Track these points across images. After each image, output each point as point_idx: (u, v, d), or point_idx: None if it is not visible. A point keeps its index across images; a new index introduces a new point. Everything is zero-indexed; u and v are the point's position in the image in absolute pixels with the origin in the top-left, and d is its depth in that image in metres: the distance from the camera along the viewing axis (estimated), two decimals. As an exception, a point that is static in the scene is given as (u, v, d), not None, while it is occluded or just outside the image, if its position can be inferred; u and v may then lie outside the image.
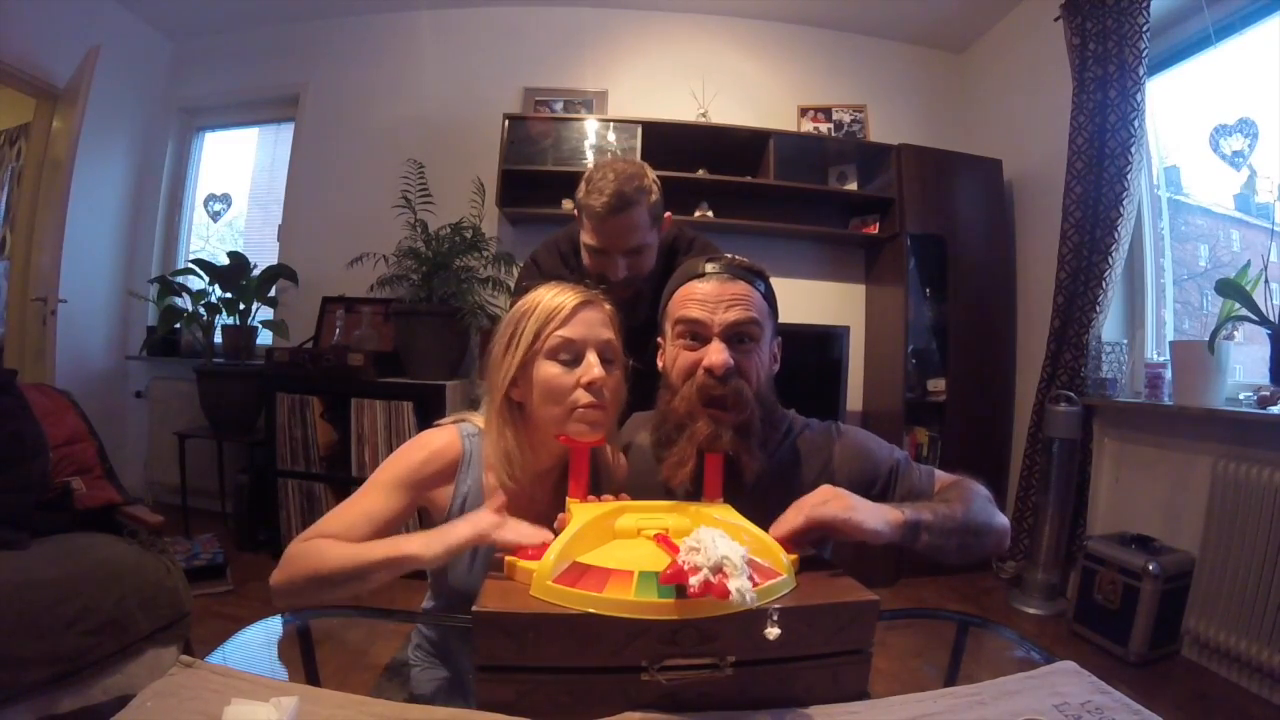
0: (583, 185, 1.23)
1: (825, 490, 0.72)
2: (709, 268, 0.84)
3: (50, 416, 1.65)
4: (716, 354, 0.78)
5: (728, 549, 0.54)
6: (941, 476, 0.89)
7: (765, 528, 0.68)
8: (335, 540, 0.72)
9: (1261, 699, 1.73)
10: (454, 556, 0.68)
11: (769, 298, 0.87)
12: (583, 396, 0.77)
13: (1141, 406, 2.26)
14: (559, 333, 0.78)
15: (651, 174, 1.26)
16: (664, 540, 0.65)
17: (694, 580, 0.52)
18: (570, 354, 0.78)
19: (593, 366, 0.77)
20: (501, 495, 0.71)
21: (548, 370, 0.78)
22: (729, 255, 0.87)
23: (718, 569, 0.52)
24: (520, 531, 0.65)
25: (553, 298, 0.80)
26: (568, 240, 1.43)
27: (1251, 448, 1.86)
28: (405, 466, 0.80)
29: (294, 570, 0.70)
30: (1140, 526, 2.15)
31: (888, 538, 0.69)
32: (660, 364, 0.88)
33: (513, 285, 2.55)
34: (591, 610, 0.53)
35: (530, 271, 1.44)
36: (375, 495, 0.78)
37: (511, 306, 1.46)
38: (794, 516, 0.68)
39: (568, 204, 2.91)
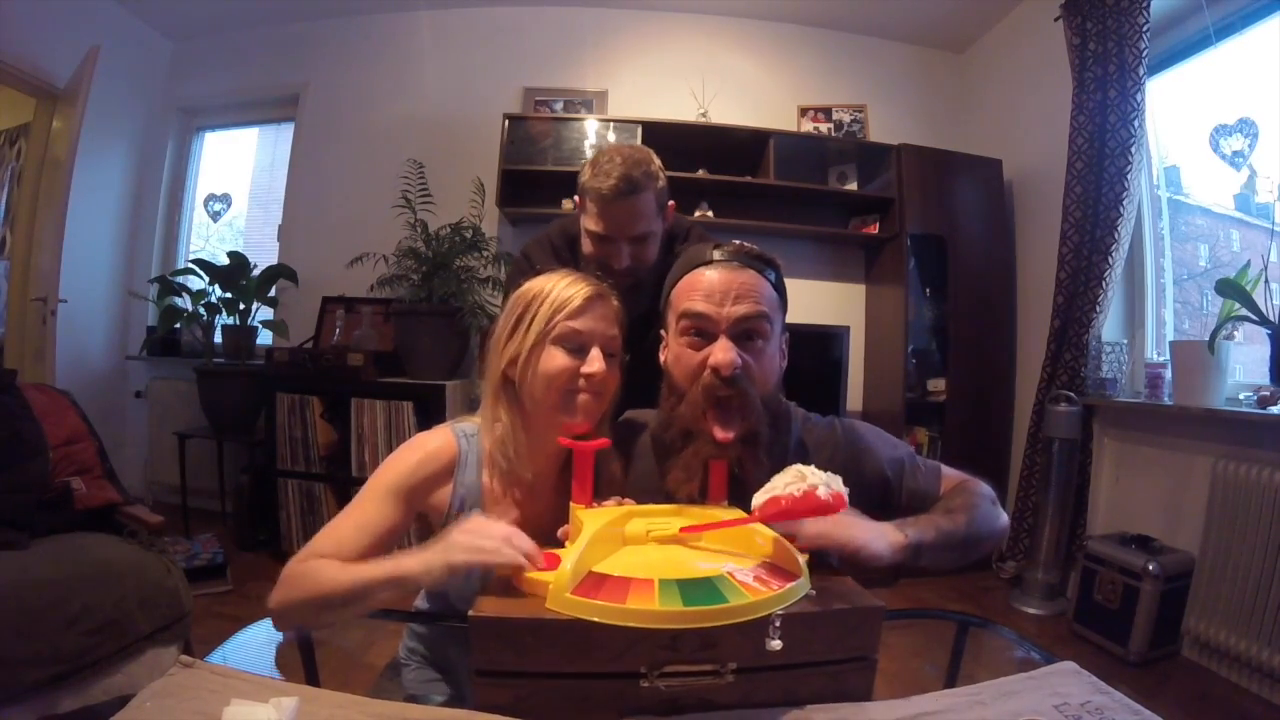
0: (587, 169, 1.20)
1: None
2: (716, 255, 0.79)
3: (50, 416, 1.65)
4: (723, 353, 0.74)
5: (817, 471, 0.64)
6: (947, 475, 0.87)
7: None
8: (333, 561, 0.69)
9: (1262, 699, 1.72)
10: (455, 576, 0.65)
11: (779, 288, 0.81)
12: (581, 386, 0.78)
13: (1141, 406, 2.25)
14: (569, 323, 0.78)
15: (658, 161, 1.23)
16: (693, 530, 0.65)
17: (822, 492, 0.61)
18: (575, 345, 0.78)
19: (595, 360, 0.78)
20: (514, 512, 0.70)
21: (553, 357, 0.78)
22: (737, 242, 0.81)
23: (828, 485, 0.61)
24: (524, 550, 0.62)
25: (566, 287, 0.80)
26: (561, 234, 1.40)
27: (1251, 448, 1.86)
28: (400, 472, 0.78)
29: (292, 593, 0.68)
30: (1140, 526, 2.15)
31: (888, 560, 0.67)
32: (662, 358, 0.84)
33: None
34: (617, 622, 0.52)
35: (522, 267, 1.40)
36: (371, 505, 0.75)
37: (504, 302, 1.44)
38: (795, 530, 0.66)
39: (568, 204, 2.91)
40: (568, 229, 1.39)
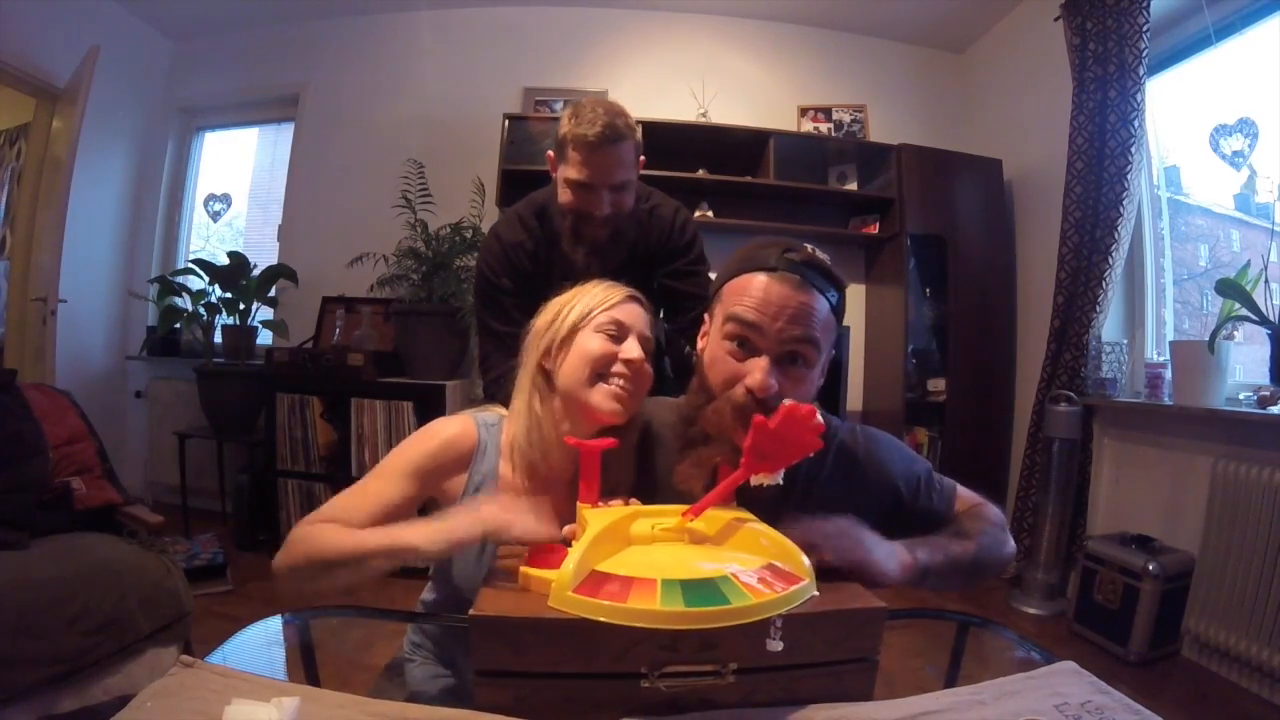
0: (567, 121, 1.21)
1: (842, 525, 0.68)
2: (783, 262, 0.72)
3: (50, 416, 1.65)
4: (760, 375, 0.70)
5: None
6: (961, 496, 0.86)
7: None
8: (337, 525, 0.72)
9: (1261, 699, 1.73)
10: (457, 552, 0.67)
11: (838, 311, 0.76)
12: (618, 369, 0.78)
13: (1141, 406, 2.25)
14: (609, 313, 0.81)
15: (631, 114, 1.26)
16: (694, 510, 0.67)
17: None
18: (614, 332, 0.80)
19: (633, 347, 0.79)
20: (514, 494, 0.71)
21: (592, 338, 0.79)
22: (809, 248, 0.74)
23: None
24: (528, 528, 0.64)
25: (605, 289, 0.83)
26: (528, 205, 1.41)
27: (1251, 448, 1.86)
28: (417, 455, 0.80)
29: (294, 553, 0.71)
30: (1140, 526, 2.15)
31: (895, 581, 0.67)
32: (700, 346, 0.81)
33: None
34: (618, 621, 0.51)
35: (490, 246, 1.41)
36: (384, 482, 0.78)
37: (476, 285, 1.45)
38: (804, 540, 0.64)
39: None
40: (535, 199, 1.41)
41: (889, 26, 3.23)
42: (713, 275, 1.39)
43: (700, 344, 0.82)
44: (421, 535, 0.67)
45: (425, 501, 0.83)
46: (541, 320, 0.84)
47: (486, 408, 0.89)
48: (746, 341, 0.72)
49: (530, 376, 0.83)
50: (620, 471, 0.83)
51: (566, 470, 0.84)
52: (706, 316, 0.82)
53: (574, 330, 0.80)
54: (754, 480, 0.67)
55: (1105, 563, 2.06)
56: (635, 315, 0.82)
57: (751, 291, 0.72)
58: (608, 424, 0.79)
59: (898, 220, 2.86)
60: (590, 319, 0.80)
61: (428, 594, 0.91)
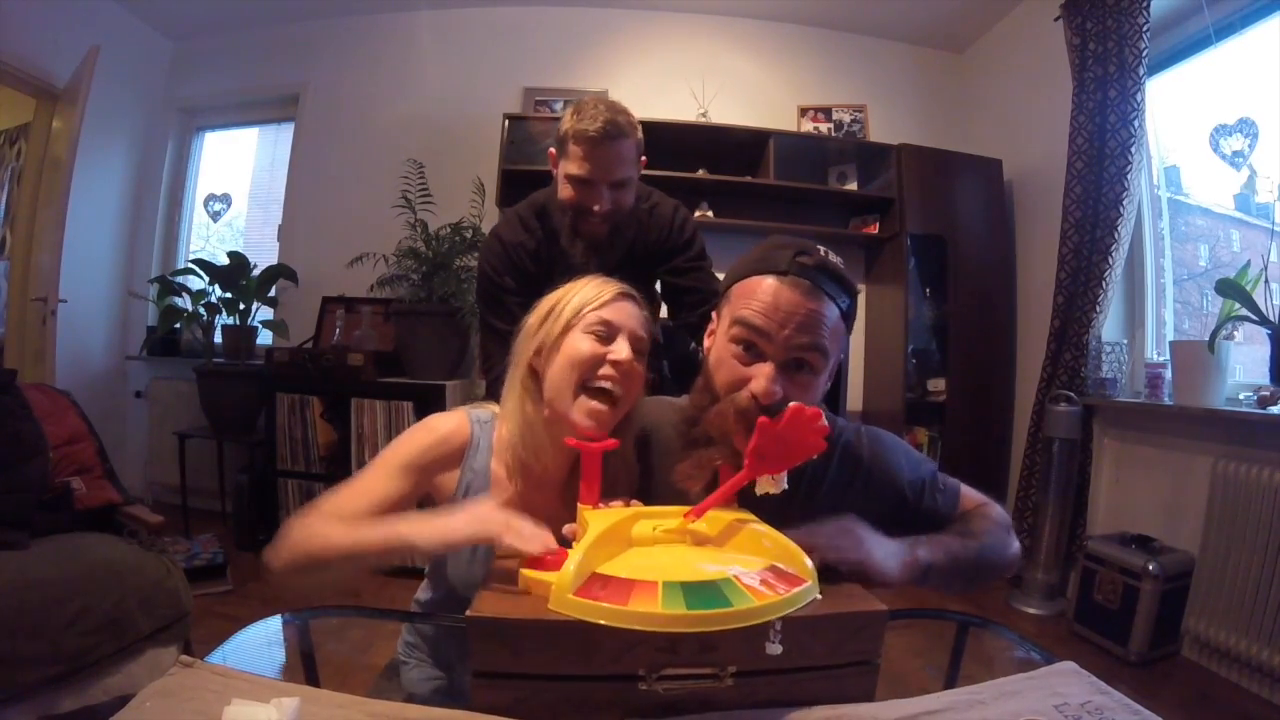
0: (569, 117, 1.23)
1: (843, 525, 0.68)
2: (793, 266, 0.70)
3: (50, 416, 1.65)
4: (765, 381, 0.69)
5: None
6: (966, 496, 0.85)
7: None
8: (333, 520, 0.72)
9: (1261, 699, 1.73)
10: (451, 551, 0.66)
11: (849, 317, 0.75)
12: (606, 371, 0.76)
13: (1141, 406, 2.25)
14: (598, 313, 0.79)
15: (634, 114, 1.28)
16: (696, 512, 0.67)
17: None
18: (604, 333, 0.78)
19: (623, 348, 0.77)
20: (506, 492, 0.70)
21: (580, 340, 0.78)
22: (822, 251, 0.72)
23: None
24: (524, 535, 0.62)
25: (597, 285, 0.81)
26: (528, 206, 1.42)
27: (1251, 448, 1.86)
28: (411, 451, 0.79)
29: (291, 550, 0.71)
30: (1140, 526, 2.15)
31: (896, 581, 0.66)
32: (707, 344, 0.81)
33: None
34: (618, 624, 0.51)
35: (491, 246, 1.42)
36: (378, 478, 0.77)
37: (478, 285, 1.46)
38: (804, 542, 0.64)
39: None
40: (535, 200, 1.42)
41: (889, 26, 3.23)
42: (717, 273, 1.39)
43: (707, 342, 0.81)
44: (418, 533, 0.66)
45: (421, 497, 0.82)
46: (534, 318, 0.83)
47: (481, 404, 0.88)
48: (753, 346, 0.71)
49: (521, 378, 0.82)
50: (617, 472, 0.82)
51: (560, 471, 0.83)
52: (715, 315, 0.81)
53: (563, 331, 0.79)
54: (759, 489, 0.67)
55: (1105, 563, 2.06)
56: (626, 314, 0.80)
57: (760, 295, 0.71)
58: (588, 435, 0.77)
59: (898, 220, 2.86)
60: (580, 318, 0.79)
61: (423, 593, 0.90)
